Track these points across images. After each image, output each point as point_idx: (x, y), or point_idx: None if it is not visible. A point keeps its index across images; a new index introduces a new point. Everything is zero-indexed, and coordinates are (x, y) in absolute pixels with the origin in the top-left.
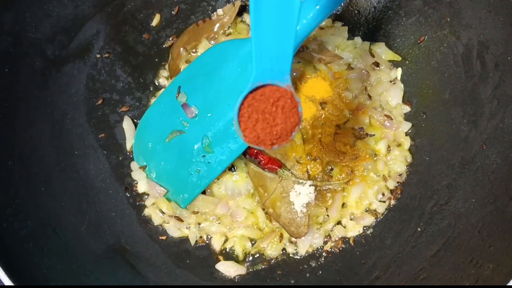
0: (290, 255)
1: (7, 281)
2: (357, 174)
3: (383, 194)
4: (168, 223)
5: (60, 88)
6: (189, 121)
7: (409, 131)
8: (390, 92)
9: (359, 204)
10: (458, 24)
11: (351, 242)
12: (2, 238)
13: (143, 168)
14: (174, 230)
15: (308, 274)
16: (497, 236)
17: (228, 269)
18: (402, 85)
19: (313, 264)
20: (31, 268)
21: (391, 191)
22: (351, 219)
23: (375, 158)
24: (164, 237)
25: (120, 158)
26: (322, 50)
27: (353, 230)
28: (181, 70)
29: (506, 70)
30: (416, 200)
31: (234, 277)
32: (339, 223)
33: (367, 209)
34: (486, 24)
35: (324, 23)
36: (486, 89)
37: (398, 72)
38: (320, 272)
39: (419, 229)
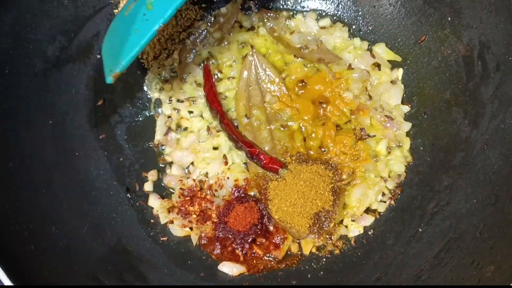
0: (293, 254)
1: (8, 283)
2: (358, 175)
3: (383, 194)
4: (172, 222)
5: (61, 89)
6: None
7: (410, 132)
8: (390, 93)
9: (360, 205)
10: (459, 24)
11: (352, 242)
12: (4, 241)
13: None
14: (178, 229)
15: (309, 275)
16: (499, 237)
17: (230, 269)
18: (402, 86)
19: (314, 265)
20: (33, 271)
21: (391, 191)
22: (352, 220)
23: (375, 159)
24: (165, 238)
25: (121, 159)
26: (322, 50)
27: (354, 230)
28: (190, 73)
29: (507, 70)
30: (417, 201)
31: (235, 278)
32: (340, 223)
33: (368, 209)
34: (487, 24)
35: (324, 23)
36: (487, 89)
37: (399, 72)
38: (322, 273)
39: (420, 230)
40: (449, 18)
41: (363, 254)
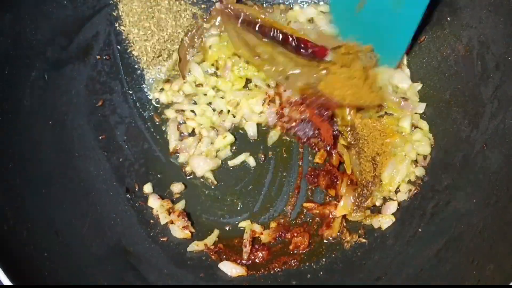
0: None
1: (8, 283)
2: (386, 151)
3: (416, 164)
4: (173, 223)
5: (60, 90)
6: None
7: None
8: (396, 78)
9: (392, 181)
10: (459, 24)
11: (352, 242)
12: (4, 241)
13: None
14: (178, 231)
15: (309, 275)
16: (498, 236)
17: (229, 269)
18: (407, 69)
19: (314, 265)
20: (33, 271)
21: (418, 179)
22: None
23: (403, 134)
24: (165, 239)
25: (121, 160)
26: (323, 37)
27: (387, 221)
28: (191, 69)
29: (507, 70)
30: (417, 200)
31: (235, 278)
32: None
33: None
34: (487, 24)
35: (323, 9)
36: (487, 89)
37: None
38: (321, 273)
39: (420, 230)
40: (448, 18)
41: (363, 254)
